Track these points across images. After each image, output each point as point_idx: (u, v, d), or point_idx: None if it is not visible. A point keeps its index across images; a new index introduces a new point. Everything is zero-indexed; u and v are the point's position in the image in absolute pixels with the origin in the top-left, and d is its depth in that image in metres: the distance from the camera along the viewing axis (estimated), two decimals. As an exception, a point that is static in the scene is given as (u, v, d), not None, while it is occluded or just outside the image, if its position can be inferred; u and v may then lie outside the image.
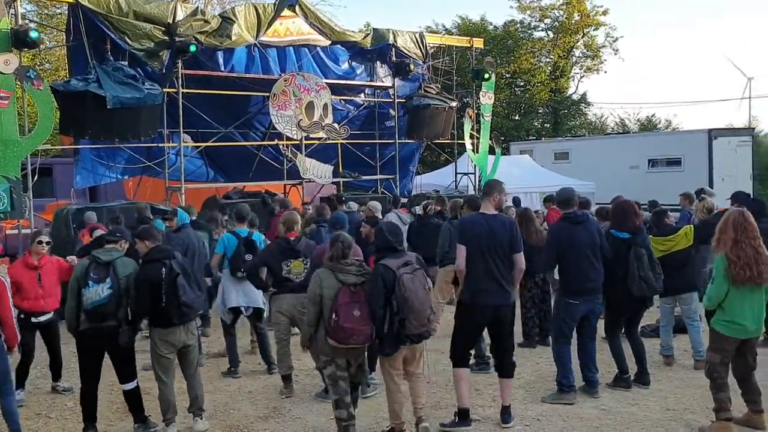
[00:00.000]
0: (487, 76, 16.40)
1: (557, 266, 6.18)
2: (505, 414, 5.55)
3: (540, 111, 33.90)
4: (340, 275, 4.95)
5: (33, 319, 6.29)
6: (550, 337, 7.99)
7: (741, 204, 8.04)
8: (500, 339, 5.58)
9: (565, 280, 6.13)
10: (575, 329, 6.19)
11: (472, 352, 6.04)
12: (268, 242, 7.38)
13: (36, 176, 10.47)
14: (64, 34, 12.15)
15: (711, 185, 16.41)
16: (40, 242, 6.35)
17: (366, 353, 5.34)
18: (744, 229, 5.15)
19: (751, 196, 10.43)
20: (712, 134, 18.81)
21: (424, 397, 5.33)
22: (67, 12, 11.84)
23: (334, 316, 4.83)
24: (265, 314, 7.27)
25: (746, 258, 5.07)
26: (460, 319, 5.56)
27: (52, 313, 6.43)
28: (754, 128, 26.78)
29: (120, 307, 5.29)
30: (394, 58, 15.37)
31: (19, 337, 5.48)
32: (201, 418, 5.59)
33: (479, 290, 5.36)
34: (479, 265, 5.34)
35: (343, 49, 15.03)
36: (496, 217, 5.51)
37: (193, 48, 11.51)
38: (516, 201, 12.69)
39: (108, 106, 10.51)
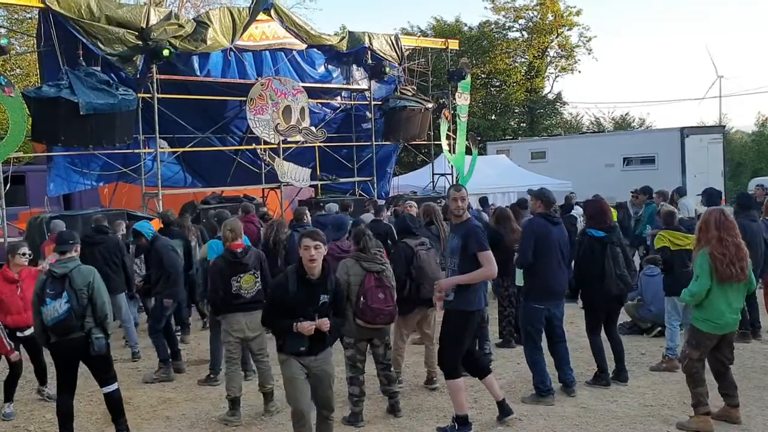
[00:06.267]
0: (465, 76, 16.53)
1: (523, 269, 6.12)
2: (503, 408, 5.53)
3: (516, 111, 34.15)
4: (365, 264, 5.58)
5: (18, 334, 6.18)
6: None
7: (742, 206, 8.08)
8: (479, 335, 5.58)
9: (531, 281, 6.08)
10: (544, 333, 6.17)
11: None
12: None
13: (8, 184, 10.32)
14: (34, 39, 11.97)
15: (684, 182, 16.70)
16: (24, 254, 6.25)
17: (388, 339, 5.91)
18: (726, 227, 5.25)
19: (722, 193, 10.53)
20: (685, 132, 19.12)
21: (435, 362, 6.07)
22: (37, 17, 11.67)
23: (362, 299, 5.46)
24: None
25: (730, 255, 5.17)
26: (457, 328, 5.33)
27: None
28: (724, 126, 27.24)
29: (84, 317, 5.16)
30: (369, 61, 15.38)
31: (10, 347, 5.69)
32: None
33: (474, 295, 5.31)
34: None
35: (319, 52, 15.03)
36: None
37: (166, 53, 11.40)
38: (484, 201, 12.71)
39: (81, 113, 10.38)
